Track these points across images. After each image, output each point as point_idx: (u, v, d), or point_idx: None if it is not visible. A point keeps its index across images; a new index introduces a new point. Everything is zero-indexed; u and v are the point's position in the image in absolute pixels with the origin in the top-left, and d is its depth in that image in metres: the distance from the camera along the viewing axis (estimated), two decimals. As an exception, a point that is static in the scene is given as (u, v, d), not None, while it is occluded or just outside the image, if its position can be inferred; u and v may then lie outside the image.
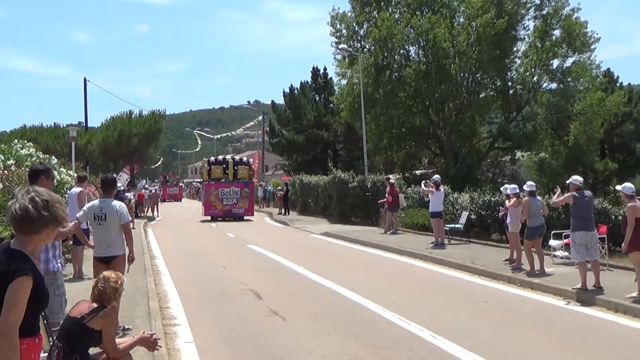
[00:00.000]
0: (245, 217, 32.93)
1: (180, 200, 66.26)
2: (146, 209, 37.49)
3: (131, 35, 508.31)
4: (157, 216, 37.07)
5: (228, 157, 35.51)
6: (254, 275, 13.71)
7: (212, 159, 35.19)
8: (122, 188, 25.28)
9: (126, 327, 7.85)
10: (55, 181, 9.38)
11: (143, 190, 39.62)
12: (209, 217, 32.81)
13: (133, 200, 28.64)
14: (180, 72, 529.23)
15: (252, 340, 7.95)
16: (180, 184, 75.02)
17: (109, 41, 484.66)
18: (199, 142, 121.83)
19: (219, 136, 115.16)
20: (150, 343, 5.27)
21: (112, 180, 8.49)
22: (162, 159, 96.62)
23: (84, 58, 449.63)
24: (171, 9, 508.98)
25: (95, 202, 8.13)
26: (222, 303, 10.50)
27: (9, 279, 3.07)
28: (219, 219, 32.48)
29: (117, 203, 7.86)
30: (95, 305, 5.05)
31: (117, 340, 5.22)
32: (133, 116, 45.00)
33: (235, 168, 33.24)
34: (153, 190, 42.79)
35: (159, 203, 41.32)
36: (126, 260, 7.87)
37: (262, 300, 10.60)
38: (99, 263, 7.63)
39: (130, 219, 8.22)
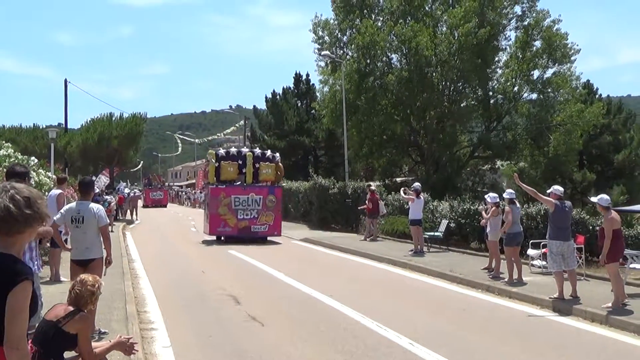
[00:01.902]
0: (269, 238, 23.00)
1: (166, 206, 58.15)
2: (126, 212, 37.24)
3: (115, 37, 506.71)
4: (137, 219, 36.81)
5: (245, 149, 25.47)
6: (233, 280, 13.65)
7: (222, 151, 24.42)
8: (98, 191, 25.04)
9: (102, 331, 7.77)
10: (33, 182, 9.30)
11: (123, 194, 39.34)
12: (214, 237, 23.00)
13: (113, 203, 28.43)
14: (163, 75, 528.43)
15: (230, 345, 7.91)
16: (166, 188, 65.43)
17: (91, 42, 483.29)
18: (180, 146, 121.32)
19: (199, 140, 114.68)
20: (126, 347, 5.23)
21: (90, 182, 8.41)
22: (142, 162, 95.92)
23: (65, 59, 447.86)
24: (156, 11, 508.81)
25: (73, 204, 8.05)
26: (200, 308, 10.43)
27: (9, 285, 2.88)
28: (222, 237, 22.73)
29: (94, 205, 7.80)
30: (71, 308, 4.99)
31: (93, 344, 5.17)
32: (113, 118, 44.56)
33: (257, 165, 23.30)
34: (132, 194, 42.46)
35: (138, 206, 40.96)
36: (104, 263, 7.79)
37: (241, 306, 10.56)
38: (76, 266, 7.54)
39: (108, 221, 8.15)
